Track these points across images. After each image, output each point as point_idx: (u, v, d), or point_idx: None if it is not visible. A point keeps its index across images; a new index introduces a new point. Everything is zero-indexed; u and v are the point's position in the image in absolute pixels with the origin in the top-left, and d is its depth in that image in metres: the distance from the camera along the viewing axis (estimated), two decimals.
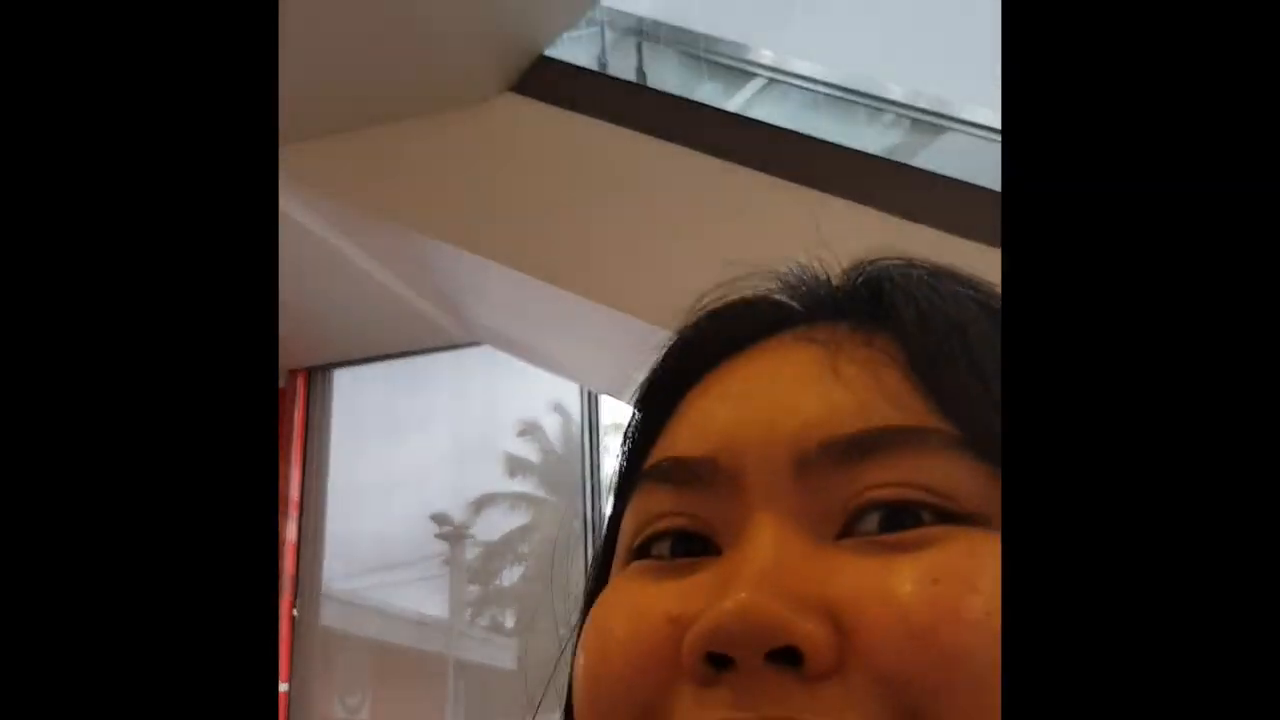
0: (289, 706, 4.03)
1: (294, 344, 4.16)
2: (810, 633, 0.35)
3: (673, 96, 2.92)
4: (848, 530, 0.38)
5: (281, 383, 4.36)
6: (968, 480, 0.38)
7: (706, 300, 0.50)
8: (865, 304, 0.45)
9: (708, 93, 3.07)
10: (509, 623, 4.42)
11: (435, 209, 2.86)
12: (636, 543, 0.43)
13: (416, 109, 2.85)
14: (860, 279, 0.47)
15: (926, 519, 0.37)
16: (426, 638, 4.36)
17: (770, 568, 0.37)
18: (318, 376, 4.42)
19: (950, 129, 2.87)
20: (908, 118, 2.97)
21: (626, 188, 2.73)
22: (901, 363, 0.41)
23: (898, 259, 0.47)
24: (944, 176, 2.50)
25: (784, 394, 0.42)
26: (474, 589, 4.46)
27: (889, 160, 2.70)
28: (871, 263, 0.48)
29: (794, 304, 0.47)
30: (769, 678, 0.35)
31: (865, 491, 0.38)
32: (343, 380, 4.46)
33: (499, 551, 4.41)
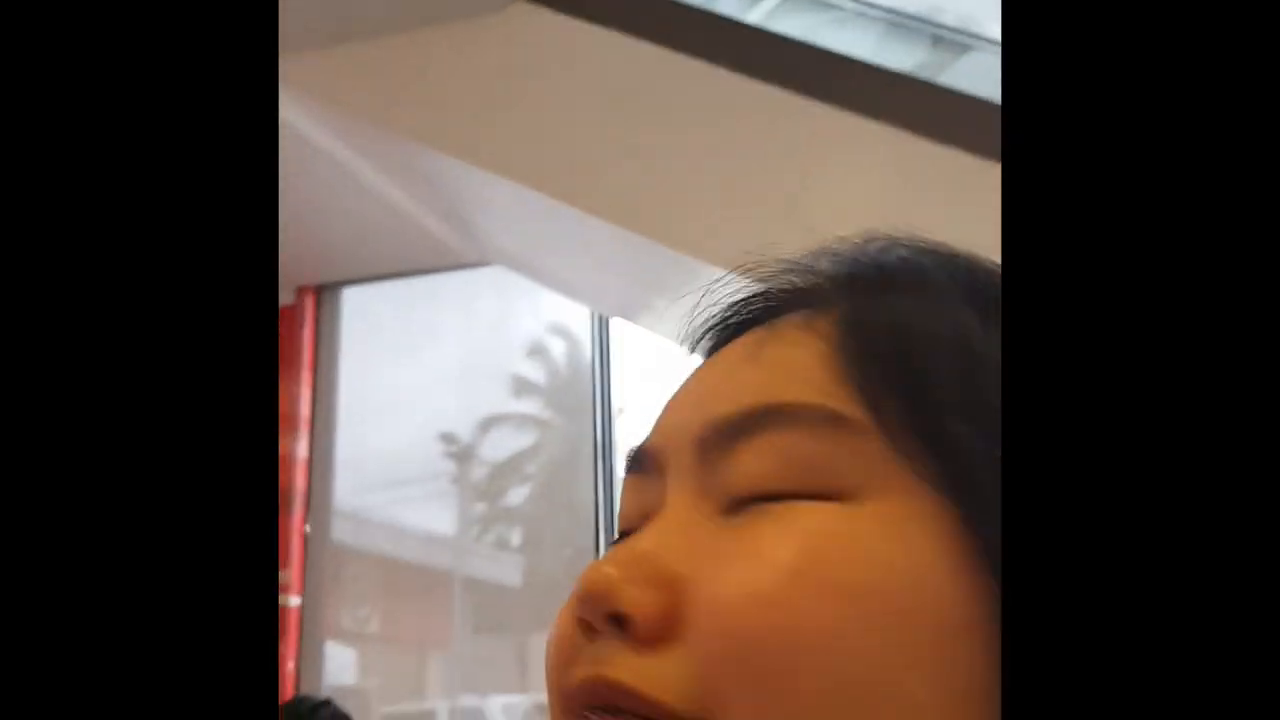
0: (301, 620, 4.09)
1: (303, 261, 4.13)
2: (635, 599, 0.37)
3: (689, 7, 2.85)
4: (729, 508, 0.39)
5: (291, 300, 4.35)
6: (849, 459, 0.38)
7: (714, 292, 0.51)
8: (836, 291, 0.46)
9: (726, 5, 2.99)
10: (515, 540, 4.46)
11: (446, 123, 2.82)
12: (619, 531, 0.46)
13: (427, 18, 2.79)
14: (843, 264, 0.48)
15: (791, 497, 0.38)
16: (434, 554, 4.42)
17: (648, 545, 0.39)
18: (327, 294, 4.41)
19: (974, 48, 2.80)
20: (930, 35, 2.90)
21: (640, 102, 2.68)
22: (831, 344, 0.41)
23: (898, 239, 0.47)
24: (969, 96, 2.44)
25: (709, 379, 0.44)
26: (481, 507, 4.50)
27: (912, 78, 2.64)
28: (865, 244, 0.48)
29: (780, 298, 0.47)
30: (612, 641, 0.37)
31: (741, 469, 0.39)
32: (352, 298, 4.44)
33: (505, 471, 4.44)
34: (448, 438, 4.33)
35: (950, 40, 2.83)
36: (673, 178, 2.57)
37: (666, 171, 2.59)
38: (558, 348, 4.38)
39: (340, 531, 4.27)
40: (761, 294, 0.48)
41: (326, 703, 2.71)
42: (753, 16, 2.99)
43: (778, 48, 2.66)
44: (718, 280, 0.50)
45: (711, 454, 0.40)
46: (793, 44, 2.66)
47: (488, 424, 4.40)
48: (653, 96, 2.68)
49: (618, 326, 4.08)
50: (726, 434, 0.40)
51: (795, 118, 2.49)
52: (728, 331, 0.48)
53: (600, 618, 0.38)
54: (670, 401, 0.45)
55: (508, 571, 4.41)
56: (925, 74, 2.74)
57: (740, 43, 2.63)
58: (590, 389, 4.12)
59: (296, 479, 4.19)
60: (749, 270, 0.49)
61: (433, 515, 4.44)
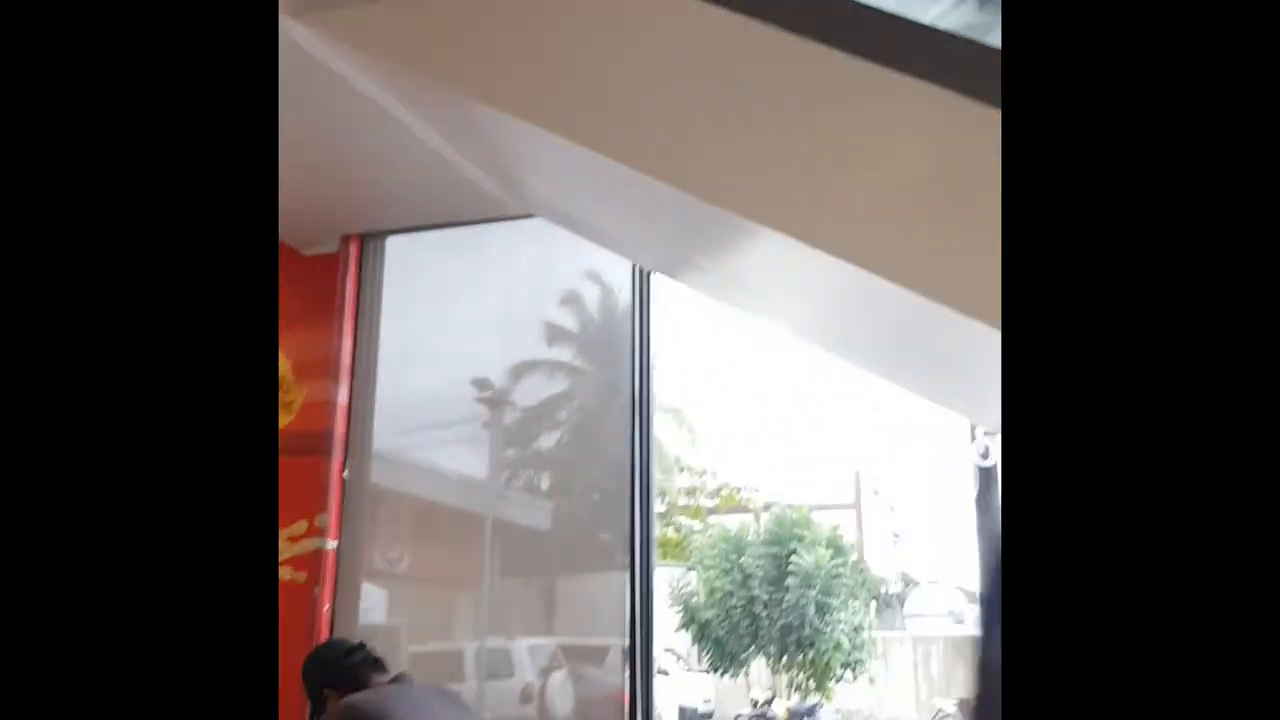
0: (337, 561, 4.17)
1: (348, 209, 4.17)
2: None
3: None
4: None
5: (334, 247, 4.39)
6: None
7: None
8: None
9: None
10: (544, 485, 4.52)
11: (495, 76, 2.83)
12: None
13: None
14: None
15: None
16: (466, 496, 4.48)
17: None
18: (371, 242, 4.44)
19: None
20: None
21: (689, 58, 2.68)
22: None
23: None
24: None
25: None
26: (511, 452, 4.55)
27: (959, 37, 2.63)
28: None
29: None
30: None
31: None
32: (396, 246, 4.47)
33: (536, 416, 4.49)
34: (481, 383, 4.38)
35: (998, 2, 2.82)
36: (720, 134, 2.57)
37: (713, 128, 2.59)
38: (594, 298, 4.41)
39: (377, 473, 4.34)
40: None
41: (360, 646, 2.79)
42: None
43: (826, 4, 2.65)
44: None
45: None
46: (844, 3, 2.64)
47: (520, 370, 4.45)
48: (701, 53, 2.67)
49: (658, 281, 4.10)
50: None
51: (843, 76, 2.48)
52: None
53: None
54: None
55: (537, 515, 4.47)
56: (972, 34, 2.73)
57: (799, 4, 2.61)
58: (625, 339, 4.15)
59: (337, 424, 4.25)
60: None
61: (466, 459, 4.51)
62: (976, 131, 2.33)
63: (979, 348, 2.40)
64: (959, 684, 15.00)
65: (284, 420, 4.29)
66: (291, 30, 2.92)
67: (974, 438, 3.81)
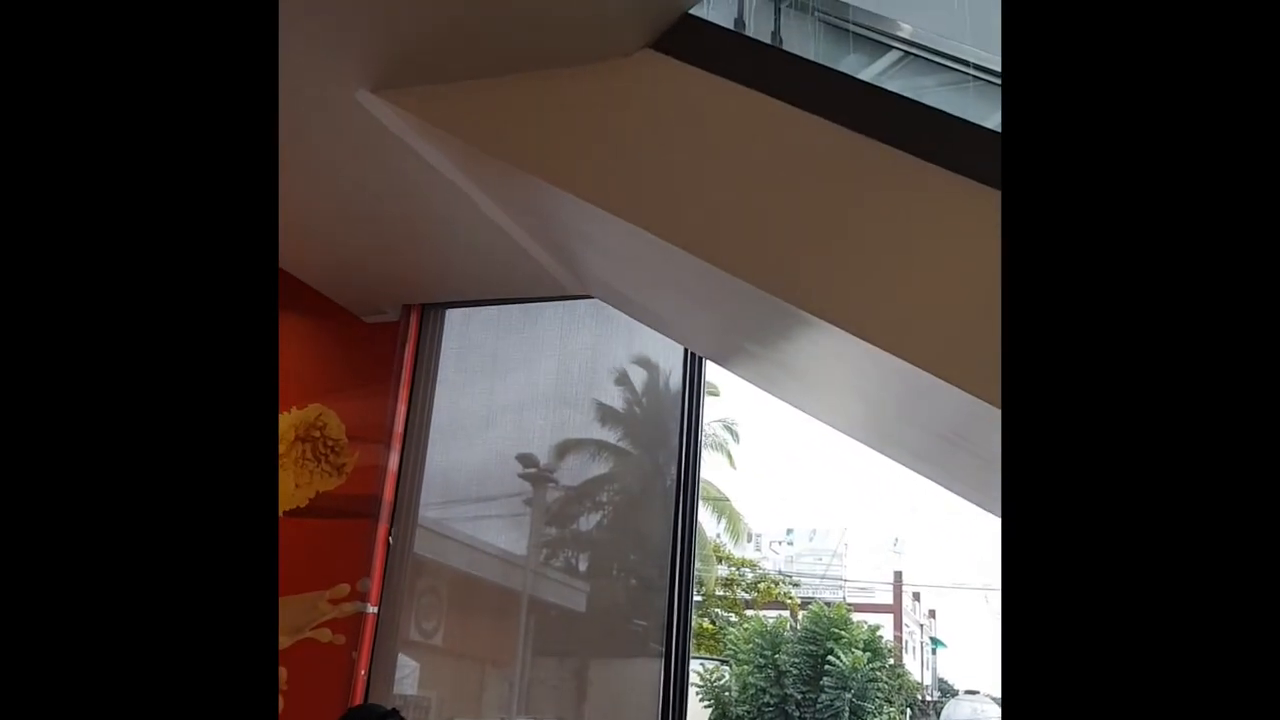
0: (376, 626, 4.17)
1: (411, 280, 4.26)
2: None
3: (807, 62, 2.90)
4: None
5: (396, 316, 4.48)
6: None
7: None
8: None
9: (847, 63, 3.04)
10: (582, 566, 4.50)
11: (563, 160, 2.90)
12: None
13: (556, 60, 2.88)
14: None
15: None
16: (505, 572, 4.47)
17: None
18: (431, 313, 4.53)
19: None
20: None
21: (754, 152, 2.73)
22: None
23: None
24: None
25: None
26: (552, 530, 4.55)
27: None
28: None
29: None
30: None
31: None
32: (455, 319, 4.56)
33: (579, 496, 4.49)
34: (527, 459, 4.40)
35: None
36: (782, 225, 2.61)
37: (775, 219, 2.63)
38: (643, 381, 4.43)
39: (420, 544, 4.36)
40: None
41: (394, 712, 2.78)
42: (867, 74, 3.04)
43: (894, 108, 2.69)
44: None
45: None
46: (909, 104, 2.69)
47: (564, 448, 4.46)
48: (767, 147, 2.73)
49: (710, 368, 4.13)
50: None
51: (909, 177, 2.51)
52: None
53: None
54: None
55: (573, 596, 4.44)
56: None
57: (859, 102, 2.67)
58: (673, 424, 4.16)
59: (385, 490, 4.29)
60: None
61: (507, 534, 4.51)
62: None
63: None
64: None
65: (335, 483, 4.34)
66: (369, 104, 3.03)
67: None
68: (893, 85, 2.95)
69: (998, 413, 2.18)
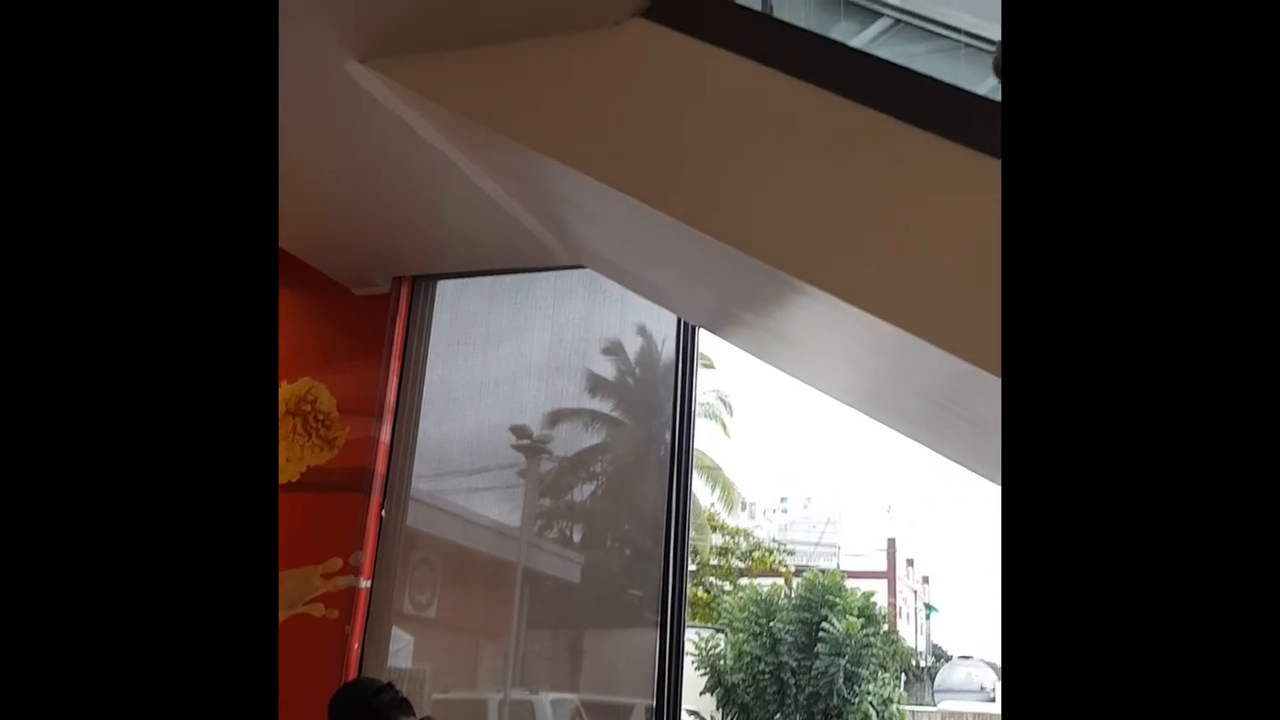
0: (369, 600, 4.18)
1: (402, 252, 4.23)
2: None
3: (798, 29, 2.88)
4: None
5: (386, 288, 4.46)
6: None
7: None
8: None
9: (838, 30, 3.02)
10: (576, 537, 4.51)
11: (554, 129, 2.88)
12: None
13: (544, 28, 2.85)
14: None
15: None
16: (498, 544, 4.47)
17: None
18: (422, 285, 4.51)
19: None
20: None
21: (746, 120, 2.71)
22: None
23: None
24: None
25: None
26: (546, 501, 4.55)
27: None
28: None
29: None
30: None
31: None
32: (446, 290, 4.54)
33: (572, 467, 4.49)
34: (520, 430, 4.40)
35: None
36: (774, 193, 2.60)
37: (768, 187, 2.61)
38: (637, 350, 4.42)
39: (413, 517, 4.35)
40: None
41: (389, 686, 2.78)
42: (858, 42, 3.02)
43: (886, 75, 2.67)
44: None
45: None
46: (901, 71, 2.67)
47: (557, 418, 4.46)
48: (758, 115, 2.71)
49: (703, 337, 4.12)
50: None
51: (900, 144, 2.50)
52: None
53: None
54: None
55: (568, 568, 4.45)
56: None
57: (849, 68, 2.65)
58: (665, 394, 4.15)
59: (378, 463, 4.28)
60: None
61: (500, 507, 4.51)
62: None
63: None
64: None
65: (326, 457, 4.33)
66: (358, 75, 3.00)
67: None
68: (883, 52, 2.94)
69: (990, 378, 2.19)
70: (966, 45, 2.85)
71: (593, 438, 4.51)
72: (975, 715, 16.12)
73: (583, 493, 4.60)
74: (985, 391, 2.38)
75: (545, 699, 4.21)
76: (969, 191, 2.38)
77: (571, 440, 4.46)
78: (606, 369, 4.44)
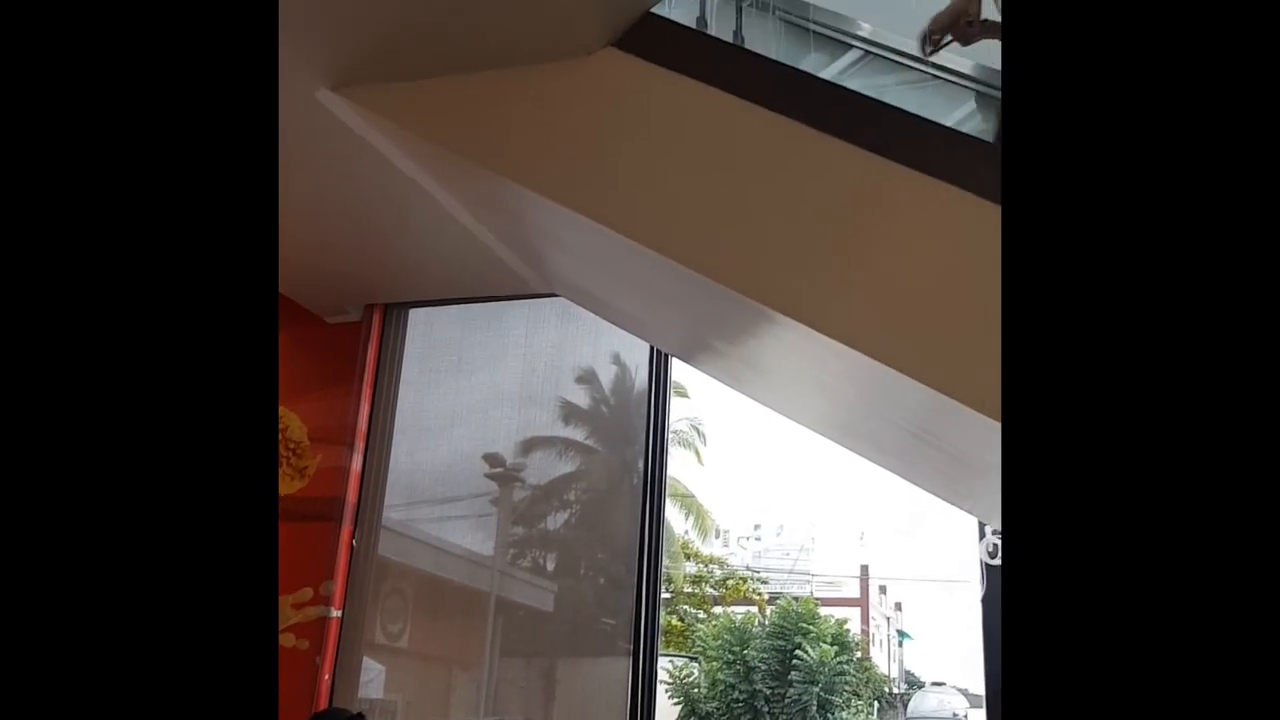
0: (340, 630, 4.14)
1: (374, 280, 4.23)
2: None
3: (769, 60, 2.91)
4: None
5: (358, 316, 4.44)
6: None
7: None
8: None
9: (808, 62, 3.05)
10: (549, 566, 4.49)
11: (527, 158, 2.88)
12: None
13: (519, 58, 2.87)
14: None
15: None
16: (471, 573, 4.44)
17: None
18: (394, 313, 4.50)
19: None
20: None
21: (717, 150, 2.73)
22: None
23: None
24: None
25: None
26: (519, 530, 4.53)
27: (982, 141, 2.68)
28: None
29: None
30: None
31: None
32: (418, 318, 4.53)
33: (546, 495, 4.47)
34: (491, 458, 4.39)
35: None
36: (745, 224, 2.61)
37: (739, 217, 2.63)
38: (610, 378, 4.43)
39: (384, 545, 4.33)
40: None
41: (360, 716, 2.76)
42: (828, 73, 3.06)
43: (855, 106, 2.70)
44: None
45: None
46: (870, 103, 2.71)
47: (532, 445, 4.45)
48: (730, 145, 2.73)
49: (676, 366, 4.13)
50: None
51: (870, 175, 2.52)
52: None
53: None
54: None
55: (541, 596, 4.43)
56: (990, 137, 2.78)
57: (819, 99, 2.67)
58: (639, 422, 4.15)
59: (349, 492, 4.26)
60: None
61: (473, 535, 4.48)
62: (995, 232, 2.36)
63: (992, 445, 2.40)
64: None
65: (297, 486, 4.30)
66: (329, 103, 3.00)
67: (982, 536, 3.78)
68: (853, 84, 2.97)
69: (960, 407, 2.21)
70: (934, 77, 2.89)
71: (566, 466, 4.50)
72: None
73: (556, 521, 4.59)
74: (956, 421, 2.40)
75: None
76: (937, 221, 2.40)
77: (545, 468, 4.45)
78: (580, 397, 4.44)
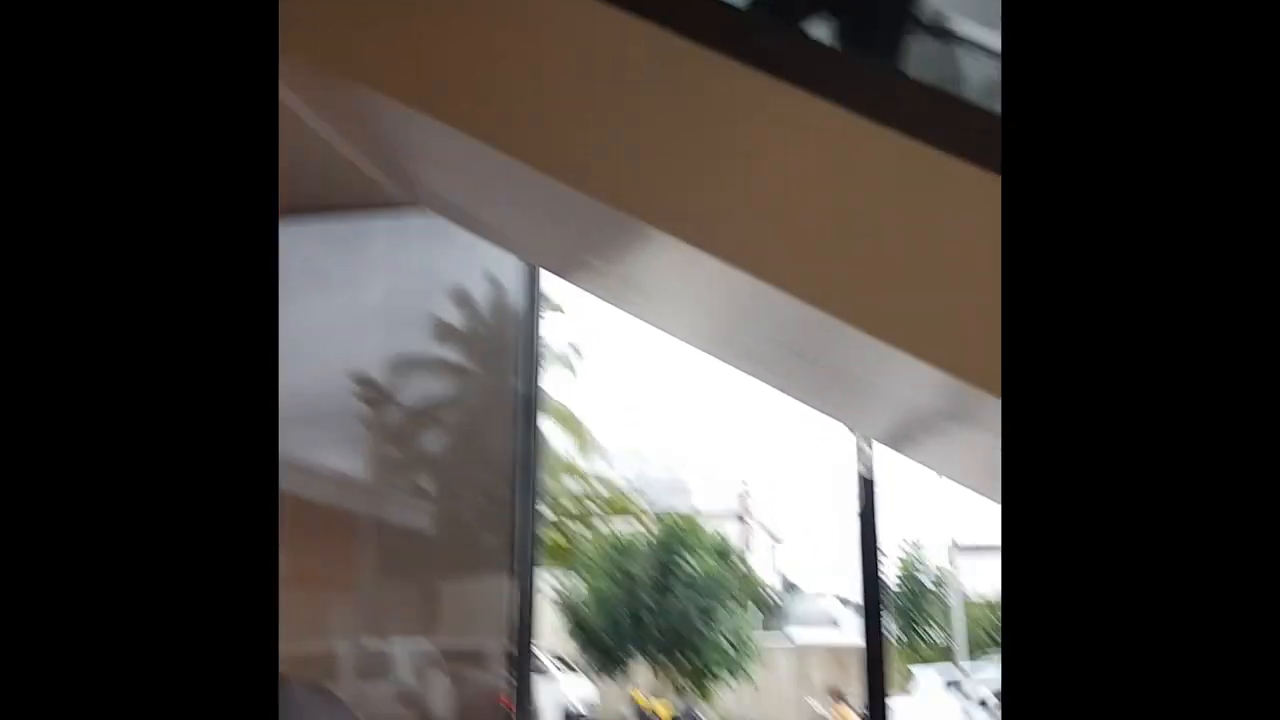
0: None
1: None
2: None
3: None
4: None
5: None
6: None
7: None
8: None
9: None
10: (426, 486, 4.43)
11: (387, 62, 2.73)
12: None
13: None
14: None
15: None
16: (344, 496, 4.37)
17: None
18: None
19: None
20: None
21: (594, 61, 2.63)
22: None
23: None
24: (922, 83, 2.46)
25: None
26: (394, 451, 4.46)
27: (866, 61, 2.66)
28: None
29: None
30: None
31: None
32: None
33: (421, 416, 4.40)
34: (361, 379, 4.27)
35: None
36: (622, 137, 2.54)
37: (616, 130, 2.56)
38: (483, 297, 4.34)
39: None
40: None
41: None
42: None
43: (735, 20, 2.64)
44: None
45: None
46: (752, 18, 2.65)
47: (403, 367, 4.36)
48: (609, 56, 2.63)
49: (548, 280, 4.06)
50: None
51: (750, 90, 2.47)
52: None
53: None
54: None
55: (419, 517, 4.39)
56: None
57: (703, 14, 2.59)
58: (513, 338, 4.11)
59: None
60: None
61: (345, 458, 4.39)
62: (875, 149, 2.34)
63: (867, 361, 2.40)
64: (837, 687, 15.27)
65: None
66: None
67: (859, 449, 3.85)
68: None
69: (837, 323, 2.20)
70: None
71: (440, 386, 4.42)
72: (829, 648, 16.81)
73: (431, 441, 4.54)
74: (834, 338, 2.39)
75: (400, 647, 4.16)
76: (817, 138, 2.37)
77: (417, 389, 4.37)
78: (452, 315, 4.35)
